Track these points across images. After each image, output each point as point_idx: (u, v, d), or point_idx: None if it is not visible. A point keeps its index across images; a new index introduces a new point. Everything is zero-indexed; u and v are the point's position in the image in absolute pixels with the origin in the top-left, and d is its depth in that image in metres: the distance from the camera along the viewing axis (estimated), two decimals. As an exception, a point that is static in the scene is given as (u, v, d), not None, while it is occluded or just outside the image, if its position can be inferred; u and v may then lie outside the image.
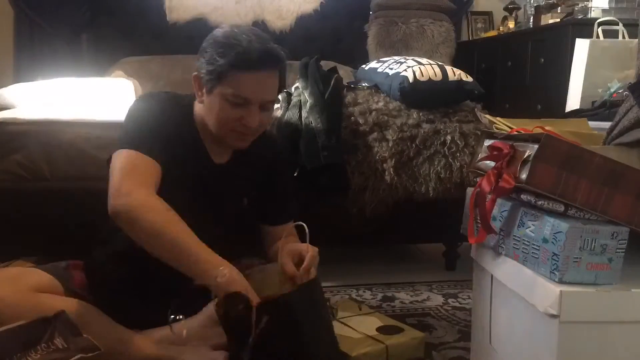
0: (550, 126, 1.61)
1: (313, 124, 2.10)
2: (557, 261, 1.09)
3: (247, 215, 1.59)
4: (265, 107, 1.42)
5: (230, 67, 1.35)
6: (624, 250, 1.10)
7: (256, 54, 1.35)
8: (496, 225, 1.29)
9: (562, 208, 1.12)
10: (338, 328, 1.62)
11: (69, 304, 1.33)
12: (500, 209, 1.29)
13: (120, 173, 1.31)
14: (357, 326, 1.64)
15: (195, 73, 1.42)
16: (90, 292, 1.45)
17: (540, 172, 1.13)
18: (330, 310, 1.71)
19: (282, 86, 1.47)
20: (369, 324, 1.66)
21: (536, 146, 1.14)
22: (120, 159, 1.34)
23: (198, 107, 1.48)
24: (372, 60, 2.72)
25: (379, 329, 1.63)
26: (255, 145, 1.51)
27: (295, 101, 2.23)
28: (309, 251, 1.37)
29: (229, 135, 1.43)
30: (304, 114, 2.16)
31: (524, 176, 1.15)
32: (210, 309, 1.38)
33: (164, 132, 1.40)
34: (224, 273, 1.20)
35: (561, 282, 1.09)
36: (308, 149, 2.07)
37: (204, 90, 1.41)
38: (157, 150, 1.36)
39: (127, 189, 1.27)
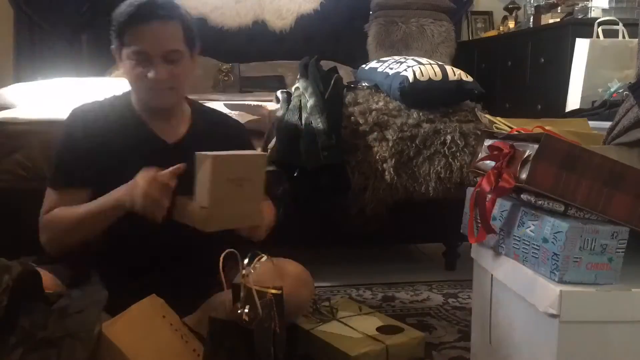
0: (550, 126, 1.61)
1: (313, 124, 2.10)
2: (557, 261, 1.09)
3: None
4: (170, 58, 1.40)
5: (124, 25, 1.39)
6: (624, 250, 1.10)
7: (143, 6, 1.38)
8: (496, 225, 1.29)
9: (562, 208, 1.12)
10: (338, 328, 1.63)
11: None
12: (500, 209, 1.29)
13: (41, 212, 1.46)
14: (357, 326, 1.64)
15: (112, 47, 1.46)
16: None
17: (540, 172, 1.13)
18: (331, 310, 1.71)
19: (188, 36, 1.45)
20: (369, 324, 1.66)
21: (536, 146, 1.14)
22: (44, 199, 1.47)
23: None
24: (372, 60, 2.71)
25: (379, 329, 1.63)
26: (207, 121, 1.54)
27: (295, 102, 2.22)
28: None
29: (149, 95, 1.44)
30: (304, 115, 2.16)
31: (524, 176, 1.15)
32: (208, 305, 1.39)
33: (86, 147, 1.43)
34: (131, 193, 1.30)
35: (561, 282, 1.09)
36: (308, 149, 2.07)
37: (119, 60, 1.45)
38: (79, 174, 1.42)
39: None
